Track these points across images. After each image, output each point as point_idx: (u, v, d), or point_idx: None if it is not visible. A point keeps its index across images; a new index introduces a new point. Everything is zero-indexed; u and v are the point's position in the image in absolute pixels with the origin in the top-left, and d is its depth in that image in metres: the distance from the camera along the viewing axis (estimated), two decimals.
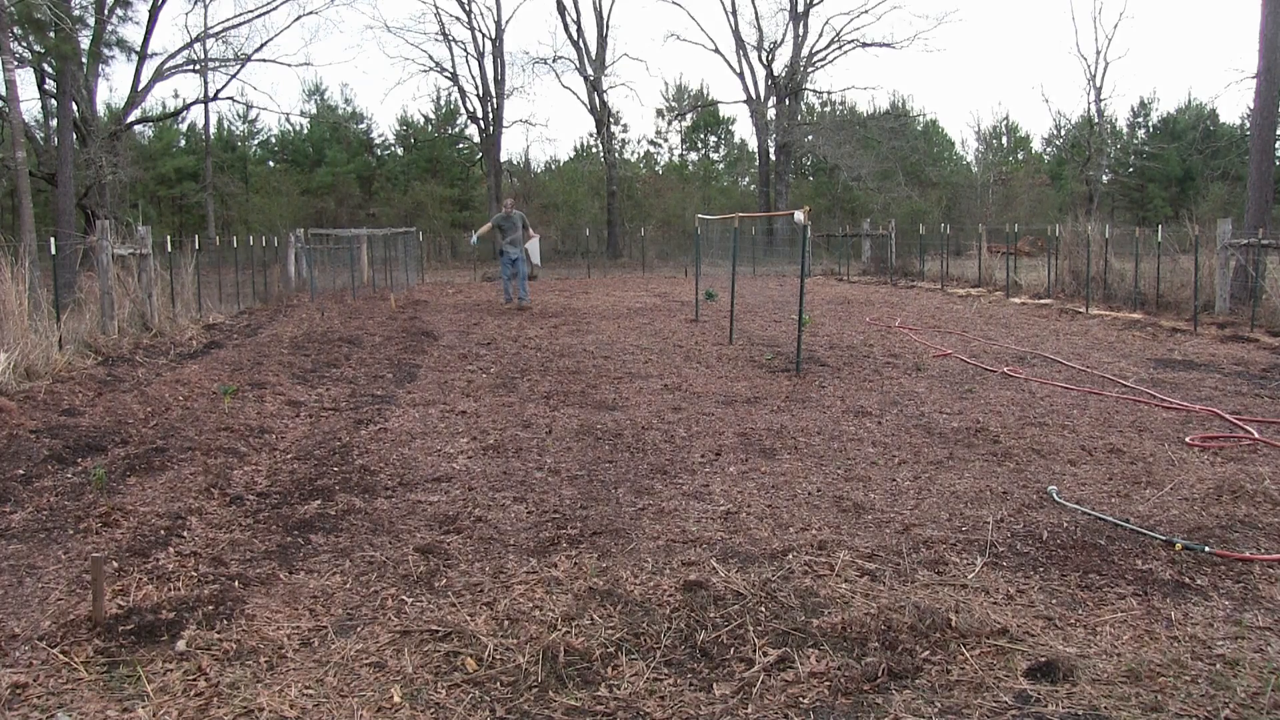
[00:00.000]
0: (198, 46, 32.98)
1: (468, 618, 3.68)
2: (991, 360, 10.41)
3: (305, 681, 3.22)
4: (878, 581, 4.01)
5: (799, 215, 9.40)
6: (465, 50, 50.45)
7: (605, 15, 39.12)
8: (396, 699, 3.09)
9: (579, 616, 3.67)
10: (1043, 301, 17.55)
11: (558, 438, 6.83)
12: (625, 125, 63.12)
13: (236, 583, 4.08)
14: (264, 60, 56.19)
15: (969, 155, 49.19)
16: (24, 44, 22.45)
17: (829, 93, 45.68)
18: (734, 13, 38.39)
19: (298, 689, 3.16)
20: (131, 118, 33.65)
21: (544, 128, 76.47)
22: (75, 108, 25.88)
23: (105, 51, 28.21)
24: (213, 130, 41.04)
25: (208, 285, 17.18)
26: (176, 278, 15.21)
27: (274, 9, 35.20)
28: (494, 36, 38.57)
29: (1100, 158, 41.10)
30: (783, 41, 38.46)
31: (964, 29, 78.73)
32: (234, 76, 39.13)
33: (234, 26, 33.90)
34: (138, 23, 50.68)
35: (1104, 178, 42.54)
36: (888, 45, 38.07)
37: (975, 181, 43.39)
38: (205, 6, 40.72)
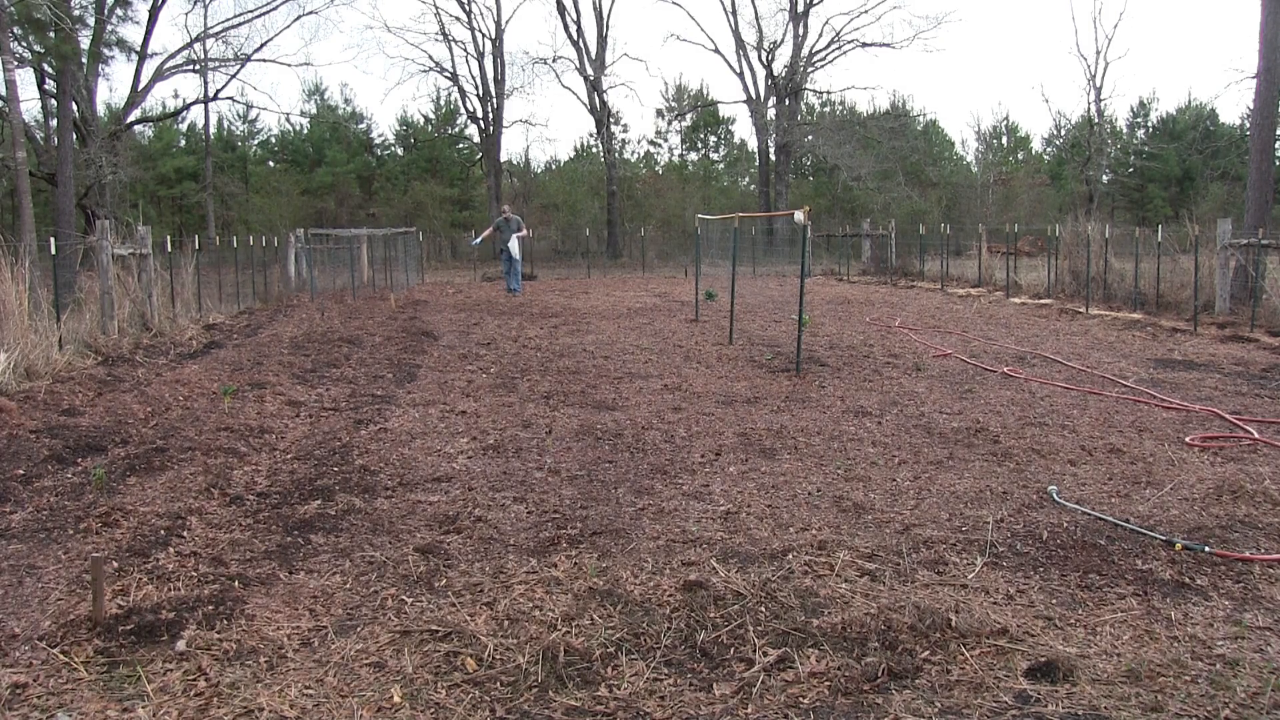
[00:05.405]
0: (198, 46, 33.02)
1: (468, 618, 3.68)
2: (991, 360, 10.41)
3: (305, 681, 3.22)
4: (878, 581, 4.01)
5: (799, 215, 9.40)
6: (465, 50, 50.67)
7: (605, 15, 39.17)
8: (396, 699, 3.09)
9: (579, 616, 3.67)
10: (1043, 301, 17.55)
11: (558, 438, 6.83)
12: (625, 125, 63.13)
13: (236, 583, 4.08)
14: (264, 60, 56.33)
15: (969, 155, 49.15)
16: (24, 44, 22.44)
17: (829, 93, 45.70)
18: (734, 13, 38.40)
19: (298, 689, 3.16)
20: (131, 118, 33.66)
21: (544, 128, 76.55)
22: (75, 108, 25.89)
23: (105, 51, 28.22)
24: (213, 130, 41.08)
25: (208, 285, 17.18)
26: (176, 278, 15.22)
27: (274, 9, 35.08)
28: (494, 36, 38.62)
29: (1100, 158, 41.06)
30: (782, 41, 38.50)
31: (964, 29, 78.67)
32: (234, 76, 39.18)
33: (234, 26, 33.92)
34: (138, 23, 50.90)
35: (1104, 178, 42.50)
36: (887, 45, 38.12)
37: (975, 181, 43.34)
38: (205, 6, 40.54)
